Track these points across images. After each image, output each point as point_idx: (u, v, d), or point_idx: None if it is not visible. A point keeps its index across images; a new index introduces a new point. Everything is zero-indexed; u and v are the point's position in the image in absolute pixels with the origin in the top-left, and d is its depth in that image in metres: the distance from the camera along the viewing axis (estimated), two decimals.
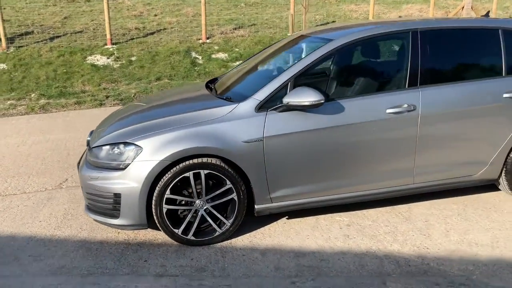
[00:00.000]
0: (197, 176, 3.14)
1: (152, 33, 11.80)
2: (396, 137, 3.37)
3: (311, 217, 3.65)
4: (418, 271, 2.89)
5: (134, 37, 11.50)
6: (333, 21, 13.65)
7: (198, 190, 3.19)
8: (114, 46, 10.83)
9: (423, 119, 3.36)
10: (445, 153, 3.50)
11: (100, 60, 10.23)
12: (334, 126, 3.25)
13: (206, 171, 3.13)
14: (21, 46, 10.62)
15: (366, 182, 3.43)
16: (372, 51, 3.71)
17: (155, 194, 3.11)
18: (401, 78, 3.44)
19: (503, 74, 3.61)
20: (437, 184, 3.59)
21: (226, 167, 3.16)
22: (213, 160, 3.15)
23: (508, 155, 3.63)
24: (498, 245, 3.15)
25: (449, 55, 3.62)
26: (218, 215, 3.24)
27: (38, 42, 10.92)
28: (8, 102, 8.52)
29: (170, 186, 3.11)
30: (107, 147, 3.21)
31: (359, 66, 3.75)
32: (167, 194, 3.12)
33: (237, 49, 11.06)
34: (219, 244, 3.30)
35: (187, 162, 3.10)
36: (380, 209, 3.74)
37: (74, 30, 11.87)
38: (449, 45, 3.62)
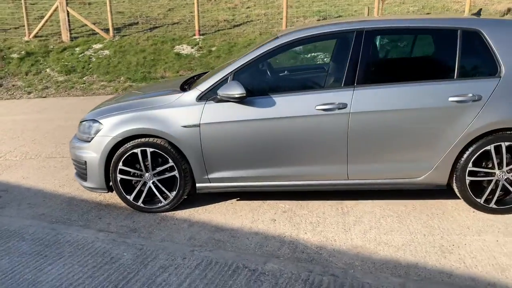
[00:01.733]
0: (146, 153, 3.70)
1: (239, 25, 12.56)
2: (326, 133, 3.50)
3: (258, 201, 3.97)
4: (307, 258, 3.08)
5: (221, 28, 12.38)
6: (428, 13, 12.92)
7: (148, 165, 3.76)
8: (201, 37, 11.83)
9: (354, 118, 3.44)
10: (382, 153, 3.52)
11: (185, 49, 11.30)
12: (264, 119, 3.53)
13: (151, 149, 3.68)
14: (125, 35, 12.23)
15: (299, 173, 3.64)
16: (311, 52, 3.84)
17: (111, 164, 3.76)
18: (339, 76, 3.55)
19: (455, 77, 3.46)
20: (375, 183, 3.62)
21: (169, 147, 3.67)
22: (158, 141, 3.68)
23: (457, 161, 3.49)
24: (406, 248, 3.15)
25: (395, 55, 3.58)
26: (163, 188, 3.78)
27: (139, 31, 12.44)
28: (101, 83, 10.05)
29: (122, 159, 3.73)
30: (84, 122, 3.95)
31: (297, 63, 3.90)
32: (120, 166, 3.75)
33: None
34: (164, 213, 3.84)
35: (136, 140, 3.69)
36: (326, 201, 3.90)
37: (173, 21, 13.20)
38: (396, 45, 3.58)
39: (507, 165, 3.46)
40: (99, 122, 3.80)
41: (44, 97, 9.49)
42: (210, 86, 3.63)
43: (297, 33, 3.65)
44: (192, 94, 3.68)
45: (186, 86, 4.01)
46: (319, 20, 12.47)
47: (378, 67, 3.60)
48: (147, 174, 3.78)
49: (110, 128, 3.73)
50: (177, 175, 3.72)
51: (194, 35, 11.94)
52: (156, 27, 12.78)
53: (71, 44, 11.95)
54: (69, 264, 3.06)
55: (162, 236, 3.46)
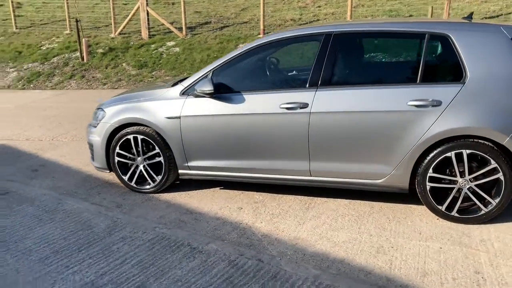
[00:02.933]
0: (137, 139, 4.20)
1: (304, 24, 12.74)
2: (289, 131, 3.69)
3: (238, 191, 4.28)
4: (247, 243, 3.33)
5: (287, 27, 12.66)
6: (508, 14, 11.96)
7: (139, 150, 4.26)
8: (265, 35, 12.24)
9: (314, 117, 3.59)
10: (343, 153, 3.62)
11: None
12: (233, 114, 3.83)
13: (141, 137, 4.18)
14: (196, 34, 13.07)
15: (265, 167, 3.88)
16: (284, 53, 4.01)
17: (110, 148, 4.33)
18: (305, 78, 3.71)
19: (417, 82, 3.44)
20: (337, 182, 3.74)
21: (156, 136, 4.13)
22: (147, 129, 4.16)
23: (417, 165, 3.48)
24: (344, 245, 3.25)
25: (359, 59, 3.65)
26: (151, 172, 4.25)
27: (210, 30, 13.20)
28: (166, 77, 10.92)
29: (119, 143, 4.28)
30: (95, 110, 4.57)
31: (270, 64, 4.09)
32: (117, 149, 4.30)
33: None
34: (152, 194, 4.32)
35: (129, 128, 4.21)
36: (298, 197, 4.09)
37: (243, 20, 13.78)
38: (362, 49, 3.64)
39: (470, 174, 3.37)
40: (104, 111, 4.38)
41: (115, 88, 10.59)
42: (192, 83, 4.01)
43: (270, 37, 3.88)
44: (177, 89, 4.09)
45: (179, 82, 4.43)
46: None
47: (342, 70, 3.69)
48: (139, 158, 4.28)
49: (110, 116, 4.29)
50: (162, 161, 4.17)
51: (259, 34, 12.37)
52: (226, 26, 13.44)
53: (149, 41, 13.08)
54: (54, 228, 3.66)
55: (139, 213, 3.94)
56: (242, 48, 3.93)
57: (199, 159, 4.07)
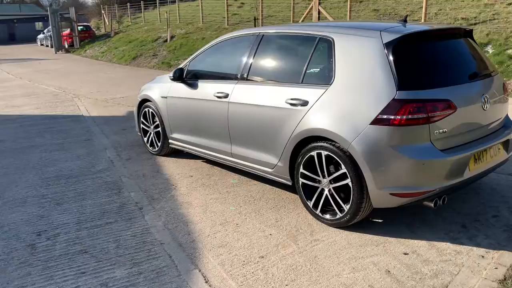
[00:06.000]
0: (148, 112, 5.50)
1: (474, 24, 11.51)
2: (217, 115, 4.32)
3: (220, 170, 5.01)
4: (151, 196, 4.24)
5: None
6: None
7: (152, 121, 5.54)
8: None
9: (231, 106, 4.15)
10: (248, 140, 4.05)
11: None
12: (189, 98, 4.69)
13: (151, 110, 5.45)
14: None
15: (209, 146, 4.59)
16: (230, 49, 4.49)
17: (139, 118, 5.76)
18: (236, 72, 4.24)
19: (300, 81, 3.60)
20: (247, 166, 4.17)
21: (156, 111, 5.33)
22: (152, 105, 5.40)
23: (293, 160, 3.67)
24: (171, 224, 3.73)
25: (265, 58, 3.98)
26: (156, 140, 5.49)
27: None
28: None
29: (141, 114, 5.66)
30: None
31: (219, 59, 4.60)
32: (141, 119, 5.69)
33: None
34: (156, 156, 5.55)
35: (145, 103, 5.54)
36: (264, 185, 4.49)
37: (413, 18, 13.24)
38: (273, 49, 3.95)
39: (329, 176, 3.42)
40: (141, 88, 5.82)
41: None
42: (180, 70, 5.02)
43: (228, 35, 4.55)
44: (170, 75, 5.17)
45: None
46: None
47: (252, 67, 4.05)
48: (151, 127, 5.56)
49: (140, 91, 5.69)
50: (161, 131, 5.34)
51: None
52: None
53: None
54: (73, 156, 5.33)
55: (130, 172, 5.15)
56: (205, 46, 4.73)
57: (175, 132, 5.07)
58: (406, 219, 3.56)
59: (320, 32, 3.61)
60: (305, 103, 3.49)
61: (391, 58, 3.11)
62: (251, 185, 4.43)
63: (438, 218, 3.56)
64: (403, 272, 2.84)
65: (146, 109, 5.50)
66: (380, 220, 3.57)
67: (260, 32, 4.14)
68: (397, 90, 3.03)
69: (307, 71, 3.59)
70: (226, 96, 4.20)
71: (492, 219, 3.52)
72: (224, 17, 19.79)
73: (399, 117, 2.99)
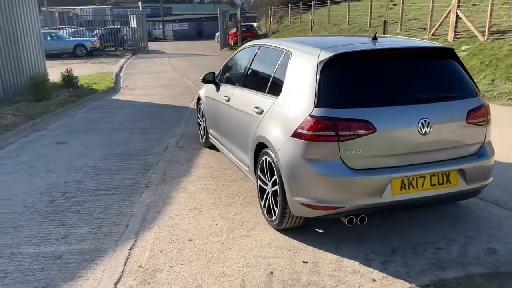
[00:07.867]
0: (199, 108, 6.32)
1: None
2: (225, 116, 4.88)
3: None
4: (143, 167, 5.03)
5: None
6: None
7: (202, 116, 6.34)
8: None
9: (230, 109, 4.64)
10: (236, 141, 4.52)
11: None
12: (213, 99, 5.35)
13: (200, 107, 6.26)
14: (498, 39, 11.97)
15: (223, 143, 5.18)
16: (243, 56, 4.87)
17: (197, 113, 6.64)
18: (239, 78, 4.72)
19: (265, 91, 3.91)
20: (239, 164, 4.61)
21: (202, 107, 6.12)
22: (202, 102, 6.19)
23: (257, 162, 4.01)
24: (154, 202, 4.41)
25: (257, 68, 4.33)
26: (203, 134, 6.29)
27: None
28: None
29: (197, 110, 6.52)
30: None
31: (235, 65, 4.97)
32: (197, 115, 6.56)
33: None
34: (199, 151, 6.35)
35: (199, 101, 6.38)
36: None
37: None
38: (260, 60, 4.29)
39: (270, 180, 3.71)
40: None
41: None
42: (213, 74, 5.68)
43: (249, 43, 5.03)
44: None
45: None
46: None
47: (246, 75, 4.41)
48: (202, 121, 6.36)
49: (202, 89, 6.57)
50: (205, 126, 6.12)
51: None
52: None
53: (451, 43, 13.05)
54: (144, 139, 6.48)
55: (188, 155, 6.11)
56: (238, 49, 5.28)
57: (210, 128, 5.78)
58: (346, 233, 3.60)
59: (287, 46, 3.87)
60: (261, 111, 3.82)
61: (318, 76, 3.25)
62: (249, 182, 4.85)
63: (378, 238, 3.52)
64: (284, 276, 3.03)
65: (199, 106, 6.32)
66: (320, 230, 3.69)
67: (259, 44, 4.54)
68: (314, 107, 3.18)
69: (272, 82, 3.89)
70: (229, 99, 4.73)
71: (432, 250, 3.33)
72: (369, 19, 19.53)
73: (310, 133, 3.15)
